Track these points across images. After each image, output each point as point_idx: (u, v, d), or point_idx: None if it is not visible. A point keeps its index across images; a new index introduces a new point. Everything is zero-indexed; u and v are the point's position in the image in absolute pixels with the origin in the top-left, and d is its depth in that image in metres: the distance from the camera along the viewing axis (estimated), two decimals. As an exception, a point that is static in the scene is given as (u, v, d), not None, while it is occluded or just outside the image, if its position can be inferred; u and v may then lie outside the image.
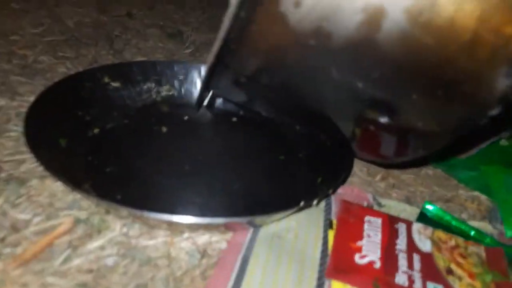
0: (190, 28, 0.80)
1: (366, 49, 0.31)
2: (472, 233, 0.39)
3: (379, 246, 0.34)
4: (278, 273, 0.31)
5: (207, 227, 0.34)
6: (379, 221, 0.37)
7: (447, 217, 0.41)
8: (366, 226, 0.36)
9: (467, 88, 0.31)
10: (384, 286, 0.30)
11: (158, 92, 0.51)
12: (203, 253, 0.33)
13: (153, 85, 0.51)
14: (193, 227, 0.33)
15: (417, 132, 0.36)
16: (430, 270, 0.32)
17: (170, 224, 0.32)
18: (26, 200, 0.35)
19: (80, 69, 0.57)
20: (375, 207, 0.41)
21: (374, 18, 0.30)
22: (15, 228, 0.32)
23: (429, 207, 0.41)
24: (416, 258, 0.33)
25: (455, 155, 0.52)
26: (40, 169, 0.38)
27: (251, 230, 0.35)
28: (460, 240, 0.36)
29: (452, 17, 0.28)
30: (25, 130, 0.35)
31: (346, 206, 0.39)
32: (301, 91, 0.38)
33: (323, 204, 0.40)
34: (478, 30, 0.28)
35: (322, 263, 0.32)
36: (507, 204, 0.43)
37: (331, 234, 0.35)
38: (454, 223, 0.40)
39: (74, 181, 0.31)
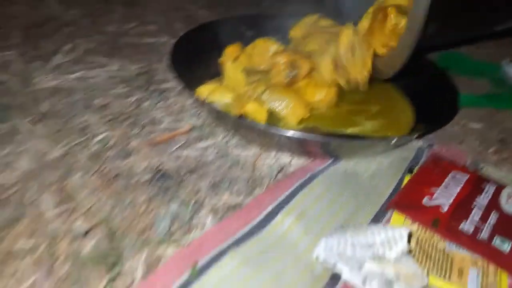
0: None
1: None
2: None
3: (453, 196, 0.33)
4: (336, 201, 0.33)
5: (291, 150, 0.39)
6: (464, 177, 0.36)
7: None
8: (448, 178, 0.35)
9: None
10: (444, 227, 0.30)
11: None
12: (280, 169, 0.38)
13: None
14: (280, 148, 0.39)
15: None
16: (505, 228, 0.31)
17: (264, 139, 0.38)
18: (164, 106, 0.46)
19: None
20: (472, 169, 0.39)
21: None
22: (152, 122, 0.43)
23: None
24: (494, 215, 0.32)
25: None
26: (179, 87, 0.48)
27: (330, 161, 0.38)
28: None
29: None
30: (171, 58, 0.44)
31: (435, 159, 0.38)
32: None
33: (412, 153, 0.40)
34: None
35: (389, 199, 0.34)
36: None
37: (407, 178, 0.36)
38: None
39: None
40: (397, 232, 0.27)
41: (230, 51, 0.50)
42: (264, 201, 0.32)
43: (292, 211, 0.31)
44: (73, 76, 0.48)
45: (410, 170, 0.37)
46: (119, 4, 0.70)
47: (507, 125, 0.49)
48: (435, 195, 0.33)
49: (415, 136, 0.37)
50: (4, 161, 0.35)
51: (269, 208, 0.31)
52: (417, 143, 0.42)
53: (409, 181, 0.35)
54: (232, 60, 0.49)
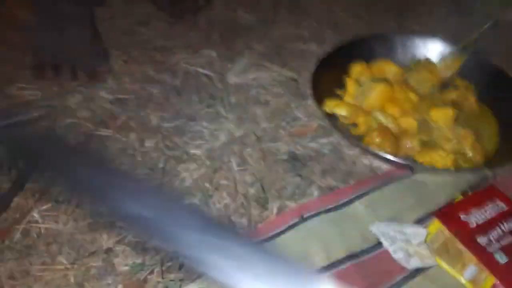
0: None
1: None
2: None
3: (485, 218, 0.48)
4: (401, 200, 0.51)
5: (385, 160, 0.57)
6: (503, 207, 0.49)
7: None
8: (489, 204, 0.49)
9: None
10: (463, 235, 0.46)
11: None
12: (373, 170, 0.57)
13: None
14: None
15: None
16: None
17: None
18: (304, 109, 0.67)
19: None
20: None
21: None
22: (294, 119, 0.65)
23: None
24: (509, 239, 0.46)
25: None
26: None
27: (409, 171, 0.55)
28: None
29: None
30: (314, 71, 0.65)
31: (489, 188, 0.52)
32: None
33: (477, 178, 0.54)
34: None
35: (438, 208, 0.50)
36: None
37: (458, 198, 0.51)
38: None
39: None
40: (421, 231, 0.45)
41: (356, 69, 0.67)
42: (350, 190, 0.52)
43: (367, 201, 0.51)
44: (250, 76, 0.72)
45: (463, 193, 0.52)
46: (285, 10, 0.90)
47: None
48: (470, 214, 0.48)
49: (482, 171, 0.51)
50: (211, 133, 0.62)
51: (351, 196, 0.51)
52: (486, 171, 0.55)
53: (461, 200, 0.51)
54: (355, 78, 0.67)
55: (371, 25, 0.85)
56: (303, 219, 0.48)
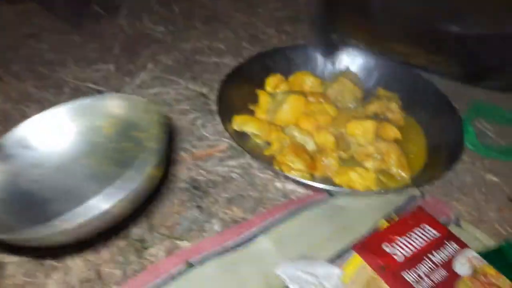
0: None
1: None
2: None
3: (414, 249, 0.40)
4: (315, 231, 0.42)
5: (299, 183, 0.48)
6: (434, 232, 0.42)
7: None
8: (418, 230, 0.42)
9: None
10: (388, 273, 0.38)
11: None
12: (286, 195, 0.48)
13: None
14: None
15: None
16: (446, 285, 0.37)
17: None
18: (213, 127, 0.57)
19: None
20: (451, 225, 0.45)
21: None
22: (200, 139, 0.55)
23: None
24: (441, 272, 0.38)
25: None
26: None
27: (326, 196, 0.47)
28: (503, 283, 0.37)
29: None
30: (221, 86, 0.56)
31: (417, 211, 0.44)
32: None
33: (402, 199, 0.47)
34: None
35: (360, 238, 0.42)
36: None
37: (381, 222, 0.43)
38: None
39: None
40: (335, 271, 0.35)
41: (271, 82, 0.59)
42: (255, 222, 0.42)
43: (275, 234, 0.41)
44: (151, 91, 0.62)
45: (388, 219, 0.44)
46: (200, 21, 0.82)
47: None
48: (394, 244, 0.40)
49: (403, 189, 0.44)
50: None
51: (256, 229, 0.42)
52: (413, 191, 0.48)
53: (386, 228, 0.43)
54: (271, 90, 0.58)
55: (295, 39, 0.79)
56: (190, 266, 0.37)
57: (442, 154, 0.51)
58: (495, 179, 0.53)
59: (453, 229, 0.44)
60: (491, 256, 0.40)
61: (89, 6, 0.77)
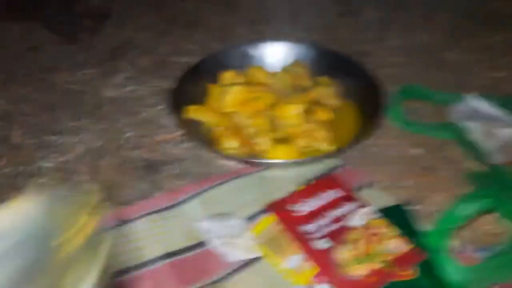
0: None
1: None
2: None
3: (313, 206, 0.47)
4: (240, 196, 0.51)
5: (235, 160, 0.56)
6: (338, 195, 0.49)
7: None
8: (321, 194, 0.49)
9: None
10: (289, 225, 0.46)
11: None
12: (227, 171, 0.56)
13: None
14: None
15: None
16: (337, 234, 0.44)
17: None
18: (175, 118, 0.67)
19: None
20: (363, 189, 0.51)
21: None
22: (162, 126, 0.65)
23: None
24: (337, 225, 0.45)
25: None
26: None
27: (259, 169, 0.55)
28: (390, 234, 0.44)
29: None
30: (178, 82, 0.65)
31: (331, 177, 0.52)
32: None
33: (325, 168, 0.54)
34: None
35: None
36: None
37: (299, 189, 0.51)
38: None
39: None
40: (246, 223, 0.44)
41: (226, 76, 0.68)
42: (191, 188, 0.51)
43: (204, 198, 0.50)
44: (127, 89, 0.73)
45: (307, 184, 0.52)
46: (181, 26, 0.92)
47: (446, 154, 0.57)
48: (300, 203, 0.48)
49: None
50: (70, 146, 0.62)
51: (191, 194, 0.50)
52: (336, 161, 0.55)
53: (300, 190, 0.50)
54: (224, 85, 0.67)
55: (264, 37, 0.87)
56: (124, 222, 0.47)
57: (367, 128, 0.58)
58: (417, 152, 0.58)
59: (364, 192, 0.51)
60: (389, 212, 0.47)
61: (82, 20, 0.89)
